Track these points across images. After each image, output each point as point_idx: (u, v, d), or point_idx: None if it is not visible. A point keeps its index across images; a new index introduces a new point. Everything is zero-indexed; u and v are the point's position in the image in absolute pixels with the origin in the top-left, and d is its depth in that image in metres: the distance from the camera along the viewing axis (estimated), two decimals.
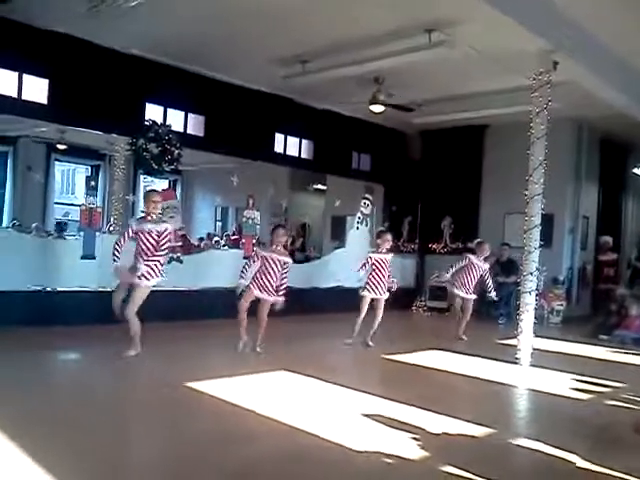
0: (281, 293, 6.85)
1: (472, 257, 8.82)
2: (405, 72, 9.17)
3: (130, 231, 6.29)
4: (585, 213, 12.57)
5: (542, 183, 7.25)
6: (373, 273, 7.86)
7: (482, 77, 9.51)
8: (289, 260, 6.96)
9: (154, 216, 6.34)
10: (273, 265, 6.78)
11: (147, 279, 6.18)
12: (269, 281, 6.75)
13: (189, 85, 9.84)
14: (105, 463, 3.50)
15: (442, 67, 8.93)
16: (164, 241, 6.29)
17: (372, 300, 7.90)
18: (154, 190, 7.07)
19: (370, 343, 7.87)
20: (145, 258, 6.18)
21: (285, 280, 6.89)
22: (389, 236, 7.99)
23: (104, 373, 5.83)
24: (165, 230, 6.31)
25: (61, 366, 6.38)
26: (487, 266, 8.93)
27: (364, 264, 7.91)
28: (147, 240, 6.22)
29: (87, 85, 8.68)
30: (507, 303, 11.10)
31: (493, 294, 9.03)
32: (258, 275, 6.80)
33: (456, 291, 8.88)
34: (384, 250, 7.89)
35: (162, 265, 6.37)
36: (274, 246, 6.86)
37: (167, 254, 6.86)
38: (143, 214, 6.50)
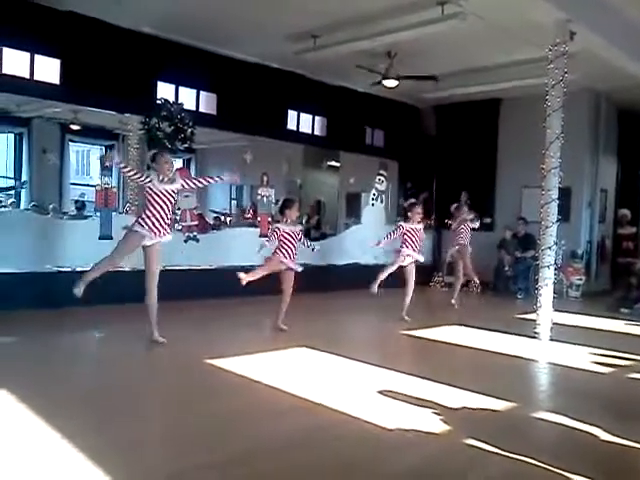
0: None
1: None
2: (418, 46, 9.02)
3: (147, 180, 5.79)
4: (603, 186, 12.37)
5: (559, 156, 7.12)
6: (408, 241, 7.94)
7: (496, 49, 9.31)
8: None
9: (166, 178, 5.92)
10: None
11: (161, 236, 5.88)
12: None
13: (200, 63, 9.74)
14: (131, 435, 3.54)
15: (456, 40, 8.75)
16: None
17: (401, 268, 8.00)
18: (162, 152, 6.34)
19: (406, 318, 7.92)
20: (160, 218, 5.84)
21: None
22: (419, 208, 8.12)
23: (125, 352, 5.81)
24: (178, 189, 6.06)
25: (84, 346, 6.41)
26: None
27: (389, 234, 8.06)
28: (164, 201, 5.86)
29: (99, 64, 8.61)
30: (525, 277, 11.10)
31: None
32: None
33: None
34: (415, 222, 8.03)
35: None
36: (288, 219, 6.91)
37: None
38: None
